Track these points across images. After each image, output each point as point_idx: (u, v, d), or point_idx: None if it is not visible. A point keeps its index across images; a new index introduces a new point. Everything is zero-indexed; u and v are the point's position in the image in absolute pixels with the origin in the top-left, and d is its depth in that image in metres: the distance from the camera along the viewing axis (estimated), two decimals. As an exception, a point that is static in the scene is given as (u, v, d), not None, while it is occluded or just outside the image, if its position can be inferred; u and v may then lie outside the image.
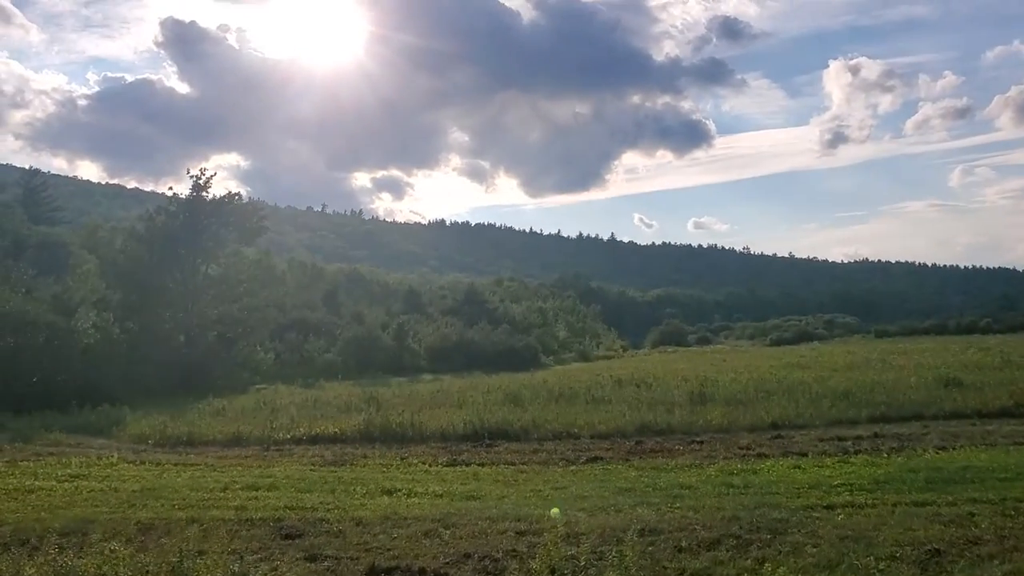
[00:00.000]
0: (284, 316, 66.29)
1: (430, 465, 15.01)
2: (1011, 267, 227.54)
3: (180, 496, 11.92)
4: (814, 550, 7.86)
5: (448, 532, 9.26)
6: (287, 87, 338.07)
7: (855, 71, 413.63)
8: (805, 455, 14.50)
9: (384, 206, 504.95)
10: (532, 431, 18.76)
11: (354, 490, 12.21)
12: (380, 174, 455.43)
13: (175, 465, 15.85)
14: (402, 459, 15.76)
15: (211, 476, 14.11)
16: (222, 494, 12.12)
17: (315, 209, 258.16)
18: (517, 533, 9.09)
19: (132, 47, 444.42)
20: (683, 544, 8.33)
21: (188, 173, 48.78)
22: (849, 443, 15.78)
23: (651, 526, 9.09)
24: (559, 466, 14.49)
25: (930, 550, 7.65)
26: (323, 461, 15.83)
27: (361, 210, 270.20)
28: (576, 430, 18.66)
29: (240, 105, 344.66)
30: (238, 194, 51.28)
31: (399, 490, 12.15)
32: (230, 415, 25.02)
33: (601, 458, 15.10)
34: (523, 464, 14.80)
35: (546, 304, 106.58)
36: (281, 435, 19.47)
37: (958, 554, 7.63)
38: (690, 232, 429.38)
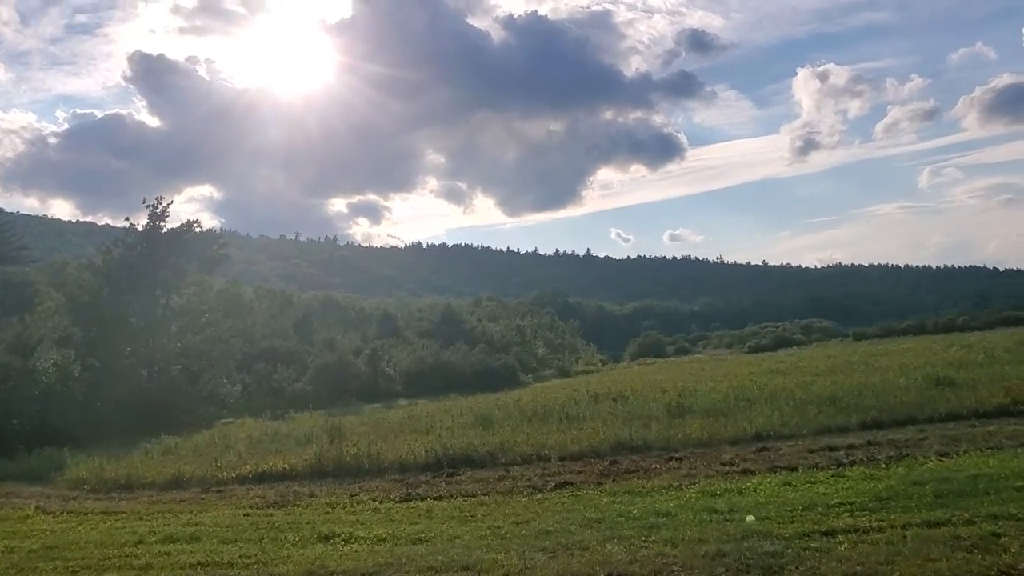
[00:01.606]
0: (252, 346, 64.61)
1: (381, 502, 13.47)
2: (982, 265, 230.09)
3: (82, 555, 10.31)
4: (817, 595, 6.45)
5: (379, 589, 7.76)
6: (259, 116, 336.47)
7: (823, 77, 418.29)
8: (795, 469, 13.11)
9: (362, 231, 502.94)
10: (499, 456, 17.26)
11: (285, 538, 10.65)
12: (356, 199, 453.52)
13: (99, 514, 14.21)
14: (351, 496, 14.20)
15: (132, 526, 12.49)
16: (133, 549, 10.52)
17: (288, 237, 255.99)
18: (460, 587, 7.60)
19: (100, 82, 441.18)
20: (657, 594, 6.87)
21: (144, 203, 47.28)
22: (842, 453, 14.42)
23: (620, 569, 7.63)
24: (524, 495, 13.00)
25: (960, 590, 6.23)
26: (263, 503, 14.22)
27: (336, 236, 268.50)
28: (547, 452, 17.18)
29: (212, 136, 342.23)
30: (197, 222, 49.59)
31: (337, 535, 10.61)
32: (181, 453, 23.40)
33: (571, 483, 13.61)
34: (485, 495, 13.28)
35: (524, 322, 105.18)
36: (225, 474, 17.86)
37: (994, 594, 6.23)
38: (666, 244, 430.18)
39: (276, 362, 59.79)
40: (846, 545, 7.94)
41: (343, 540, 10.37)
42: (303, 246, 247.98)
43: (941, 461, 12.61)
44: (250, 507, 13.92)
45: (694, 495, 11.62)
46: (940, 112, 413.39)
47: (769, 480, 12.27)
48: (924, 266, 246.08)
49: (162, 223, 47.15)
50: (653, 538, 9.02)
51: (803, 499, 10.55)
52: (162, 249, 46.57)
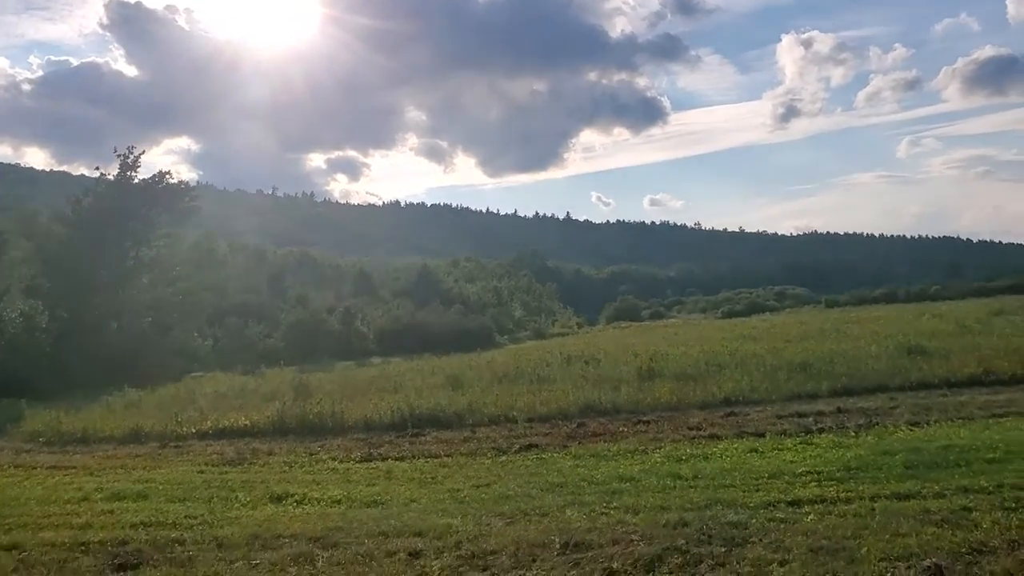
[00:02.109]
0: (225, 301, 63.89)
1: (341, 461, 13.12)
2: (956, 236, 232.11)
3: (20, 512, 9.88)
4: (781, 570, 6.14)
5: (325, 555, 7.39)
6: (239, 68, 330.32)
7: (807, 44, 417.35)
8: (762, 435, 12.85)
9: (340, 187, 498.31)
10: (466, 416, 16.95)
11: (236, 498, 10.28)
12: (335, 155, 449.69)
13: (48, 469, 13.77)
14: (311, 455, 13.85)
15: (79, 482, 12.07)
16: (76, 507, 10.11)
17: (265, 192, 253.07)
18: (410, 554, 7.25)
19: (76, 30, 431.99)
20: (615, 565, 6.54)
21: (115, 152, 46.24)
22: (810, 420, 14.19)
23: (578, 538, 7.31)
24: (488, 457, 12.69)
25: (930, 567, 5.94)
26: (220, 460, 13.84)
27: (313, 192, 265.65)
28: (515, 413, 16.87)
29: (190, 87, 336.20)
30: (168, 173, 48.51)
31: (291, 496, 10.25)
32: (143, 407, 22.92)
33: (536, 445, 13.32)
34: (448, 456, 12.97)
35: (501, 284, 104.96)
36: (185, 429, 17.46)
37: (964, 571, 5.94)
38: (646, 209, 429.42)
39: (248, 317, 59.22)
40: (812, 516, 7.67)
41: (296, 501, 10.02)
42: (280, 201, 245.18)
43: (911, 431, 12.41)
44: (206, 464, 13.54)
45: (659, 460, 11.34)
46: (922, 82, 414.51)
47: (736, 446, 12.01)
48: (899, 236, 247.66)
49: (133, 173, 46.20)
50: (615, 504, 8.73)
51: (770, 466, 10.29)
52: (133, 200, 45.67)
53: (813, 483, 9.20)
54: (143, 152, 46.96)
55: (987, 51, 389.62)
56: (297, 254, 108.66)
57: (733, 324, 56.66)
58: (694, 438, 13.10)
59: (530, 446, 13.27)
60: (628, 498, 8.97)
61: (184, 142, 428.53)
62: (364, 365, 42.18)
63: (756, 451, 11.54)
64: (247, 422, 17.49)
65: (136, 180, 46.63)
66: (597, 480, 10.12)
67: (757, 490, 9.04)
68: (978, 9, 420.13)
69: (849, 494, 8.52)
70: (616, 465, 11.16)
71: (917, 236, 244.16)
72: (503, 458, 12.48)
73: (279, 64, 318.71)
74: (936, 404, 14.87)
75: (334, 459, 13.31)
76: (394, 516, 8.77)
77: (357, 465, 12.66)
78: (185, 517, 9.23)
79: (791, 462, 10.58)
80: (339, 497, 10.11)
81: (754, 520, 7.61)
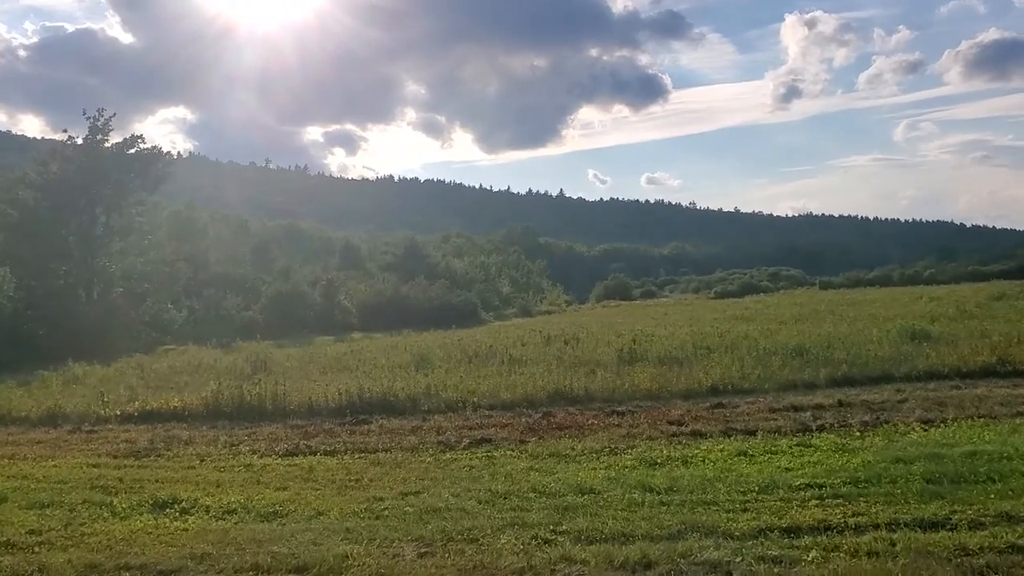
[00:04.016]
0: (204, 271, 62.01)
1: (261, 455, 11.27)
2: (950, 220, 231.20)
3: None
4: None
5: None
6: (237, 39, 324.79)
7: (811, 24, 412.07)
8: (753, 434, 11.05)
9: (337, 161, 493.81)
10: (422, 401, 15.14)
11: (111, 504, 8.45)
12: (333, 128, 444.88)
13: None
14: (232, 446, 11.99)
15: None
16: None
17: (258, 164, 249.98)
18: (274, 603, 5.43)
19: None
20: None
21: (84, 115, 44.04)
22: (808, 415, 12.41)
23: (503, 583, 5.50)
24: (431, 453, 10.85)
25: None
26: (127, 450, 11.97)
27: (306, 165, 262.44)
28: (476, 399, 15.07)
29: (187, 57, 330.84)
30: (141, 137, 46.28)
31: (178, 502, 8.42)
32: (86, 384, 21.06)
33: (490, 440, 11.48)
34: (385, 451, 11.13)
35: (489, 259, 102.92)
36: (108, 411, 15.58)
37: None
38: (643, 187, 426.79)
39: (228, 289, 57.33)
40: (815, 554, 5.87)
41: (181, 510, 8.20)
42: (272, 174, 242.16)
43: (925, 431, 10.62)
44: (108, 455, 11.69)
45: (630, 463, 9.53)
46: (924, 65, 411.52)
47: (722, 447, 10.20)
48: (893, 219, 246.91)
49: (104, 137, 44.04)
50: (565, 527, 6.93)
51: (761, 476, 8.49)
52: (103, 165, 43.53)
53: (814, 501, 7.40)
54: (113, 115, 44.75)
55: (991, 34, 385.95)
56: (284, 226, 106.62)
57: (726, 304, 55.23)
58: (674, 435, 11.29)
59: (482, 440, 11.43)
60: (583, 519, 7.15)
61: (180, 112, 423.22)
62: (343, 340, 40.31)
63: (745, 454, 9.74)
64: (178, 404, 15.65)
65: (108, 144, 44.46)
66: (550, 490, 8.31)
67: (745, 510, 7.24)
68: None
69: (860, 519, 6.74)
70: (577, 469, 9.34)
71: (911, 219, 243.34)
72: (448, 455, 10.65)
73: (278, 35, 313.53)
74: (950, 398, 13.11)
75: (255, 452, 11.46)
76: (287, 537, 6.95)
77: (278, 461, 10.82)
78: (28, 532, 7.39)
79: (787, 470, 8.79)
80: (235, 505, 8.29)
81: (739, 559, 5.80)
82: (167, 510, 8.21)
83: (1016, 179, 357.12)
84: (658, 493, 7.98)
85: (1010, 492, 7.23)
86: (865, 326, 24.90)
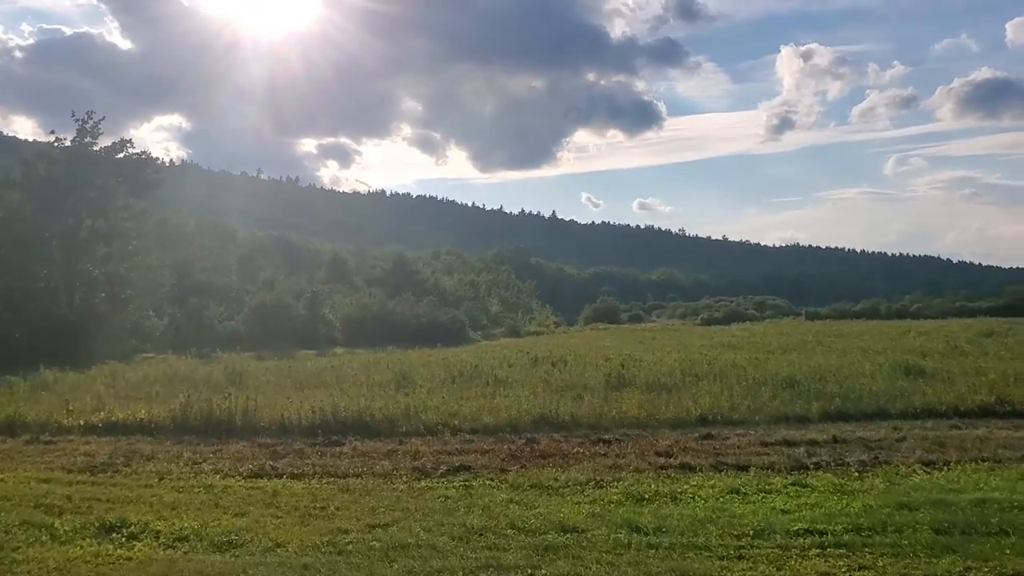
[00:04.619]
0: (188, 280, 61.30)
1: (224, 475, 10.60)
2: (937, 255, 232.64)
3: None
4: None
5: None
6: (236, 48, 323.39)
7: (807, 57, 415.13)
8: (745, 469, 10.48)
9: (330, 174, 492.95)
10: (400, 423, 14.49)
11: (53, 527, 7.79)
12: (328, 140, 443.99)
13: None
14: (195, 464, 11.30)
15: None
16: None
17: (250, 174, 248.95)
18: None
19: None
20: None
21: (73, 116, 43.44)
22: (802, 450, 11.86)
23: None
24: (405, 480, 10.21)
25: None
26: (84, 464, 11.29)
27: (298, 177, 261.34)
28: (457, 422, 14.45)
29: (185, 65, 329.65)
30: (130, 141, 45.71)
31: (127, 526, 7.77)
32: (55, 391, 20.33)
33: (469, 467, 10.86)
34: (357, 476, 10.48)
35: (479, 277, 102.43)
36: (72, 421, 14.88)
37: None
38: (635, 212, 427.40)
39: (212, 298, 56.60)
40: (819, 615, 5.28)
41: (128, 535, 7.55)
42: (264, 185, 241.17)
43: (928, 473, 10.07)
44: (62, 468, 11.01)
45: (616, 498, 8.94)
46: (917, 100, 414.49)
47: (712, 483, 9.62)
48: (880, 252, 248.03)
49: (93, 140, 43.42)
50: (544, 571, 6.34)
51: (755, 518, 7.91)
52: (90, 168, 42.93)
53: (815, 550, 6.83)
54: (103, 118, 44.13)
55: (984, 72, 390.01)
56: (273, 237, 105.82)
57: (712, 331, 54.93)
58: (662, 468, 10.69)
59: (461, 468, 10.80)
60: (565, 562, 6.56)
61: (175, 120, 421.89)
62: (325, 355, 39.62)
63: (738, 492, 9.16)
64: (145, 416, 14.96)
65: (96, 148, 43.88)
66: (530, 527, 7.71)
67: (740, 557, 6.67)
68: (978, 31, 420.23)
69: (866, 573, 6.17)
70: (560, 504, 8.74)
71: (898, 254, 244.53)
72: (423, 483, 10.02)
73: (277, 46, 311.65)
74: (950, 438, 12.57)
75: (218, 472, 10.79)
76: (238, 572, 6.33)
77: (240, 482, 10.15)
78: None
79: (783, 511, 8.21)
80: (188, 531, 7.65)
81: (735, 618, 5.22)
82: (113, 535, 7.57)
83: (1004, 217, 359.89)
84: (646, 534, 7.39)
85: (1027, 546, 6.67)
86: (856, 359, 24.45)
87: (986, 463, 10.56)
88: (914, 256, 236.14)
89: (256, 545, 7.27)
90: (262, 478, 10.42)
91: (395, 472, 10.64)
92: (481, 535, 7.50)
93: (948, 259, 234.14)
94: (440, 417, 14.77)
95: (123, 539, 7.45)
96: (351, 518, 8.23)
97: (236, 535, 7.54)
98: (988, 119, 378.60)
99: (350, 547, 7.16)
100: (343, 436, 13.64)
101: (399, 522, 8.02)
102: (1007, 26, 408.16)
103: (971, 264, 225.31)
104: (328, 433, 13.95)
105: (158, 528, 7.75)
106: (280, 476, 10.54)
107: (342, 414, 14.63)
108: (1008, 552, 6.59)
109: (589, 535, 7.40)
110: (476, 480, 10.15)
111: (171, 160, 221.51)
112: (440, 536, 7.44)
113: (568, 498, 9.04)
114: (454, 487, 9.74)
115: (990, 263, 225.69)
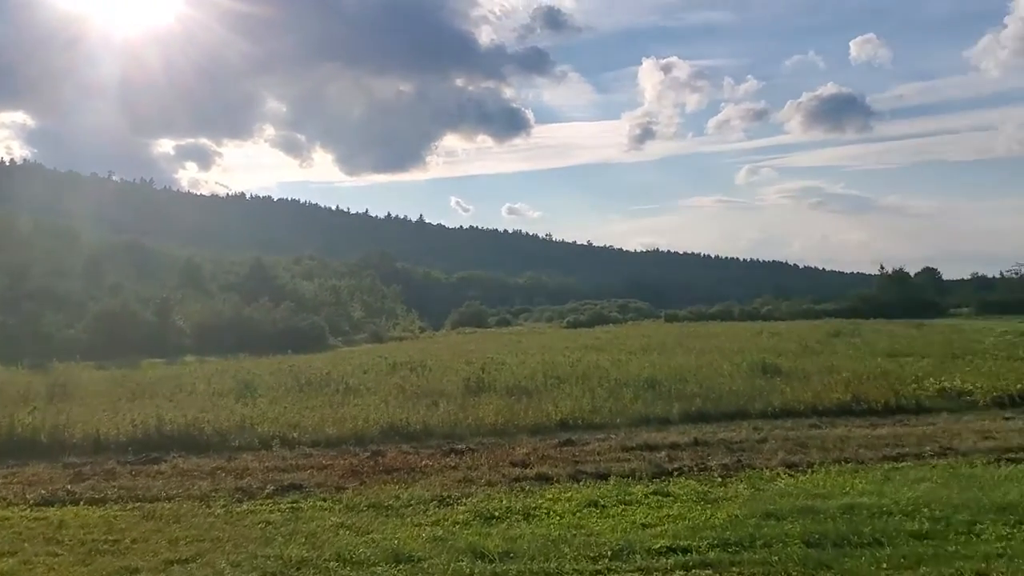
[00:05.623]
0: (24, 284, 57.00)
1: (8, 504, 9.01)
2: (784, 261, 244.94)
3: None
4: None
5: None
6: (88, 42, 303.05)
7: (667, 70, 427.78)
8: (605, 478, 9.75)
9: (189, 176, 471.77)
10: (233, 436, 13.10)
11: None
12: (187, 141, 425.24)
13: None
14: (-27, 492, 9.64)
15: None
16: None
17: (101, 175, 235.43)
18: None
19: None
20: None
21: None
22: (663, 455, 11.27)
23: None
24: (223, 503, 8.91)
25: None
26: None
27: (152, 179, 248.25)
28: (297, 434, 13.17)
29: (31, 58, 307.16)
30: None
31: None
32: None
33: (301, 486, 9.65)
34: (169, 499, 9.11)
35: (341, 282, 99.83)
36: None
37: None
38: (504, 217, 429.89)
39: (50, 305, 52.57)
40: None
41: None
42: (116, 186, 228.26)
43: (792, 476, 9.59)
44: None
45: (462, 518, 7.96)
46: (768, 113, 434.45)
47: (570, 495, 8.80)
48: (732, 258, 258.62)
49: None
50: (365, 614, 5.27)
51: (614, 535, 7.11)
52: None
53: (678, 572, 6.05)
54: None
55: (829, 88, 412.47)
56: (124, 241, 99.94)
57: (577, 333, 55.21)
58: (516, 480, 9.81)
59: (291, 487, 9.58)
60: (389, 602, 5.52)
61: (19, 116, 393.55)
62: (174, 364, 37.10)
63: (596, 504, 8.37)
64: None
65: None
66: (359, 558, 6.62)
67: (594, 584, 5.80)
68: (825, 48, 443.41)
69: (734, 600, 5.40)
70: (398, 527, 7.68)
71: (749, 259, 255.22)
72: (244, 506, 8.75)
73: (133, 42, 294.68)
74: (811, 438, 12.29)
75: (3, 499, 9.18)
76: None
77: (24, 512, 8.60)
78: None
79: (644, 526, 7.46)
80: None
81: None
82: None
83: (846, 225, 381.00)
84: (491, 561, 6.44)
85: (902, 560, 6.11)
86: (714, 359, 24.55)
87: (849, 464, 10.22)
88: (764, 261, 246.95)
89: (13, 596, 5.90)
90: (52, 505, 8.89)
91: (214, 494, 9.31)
92: (299, 570, 6.37)
93: (795, 264, 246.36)
94: (278, 429, 13.48)
95: None
96: (147, 553, 6.93)
97: (-9, 583, 6.14)
98: (833, 131, 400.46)
99: (134, 592, 5.89)
100: (165, 452, 12.16)
101: (204, 555, 6.78)
102: (851, 44, 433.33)
103: (816, 269, 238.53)
104: (149, 449, 12.46)
105: None
106: (76, 502, 9.04)
107: (167, 428, 13.12)
108: (885, 566, 6.00)
109: (426, 565, 6.39)
110: (306, 501, 8.96)
111: (12, 160, 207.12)
112: (249, 573, 6.26)
113: (408, 519, 8.01)
114: (279, 510, 8.53)
115: (833, 268, 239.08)
